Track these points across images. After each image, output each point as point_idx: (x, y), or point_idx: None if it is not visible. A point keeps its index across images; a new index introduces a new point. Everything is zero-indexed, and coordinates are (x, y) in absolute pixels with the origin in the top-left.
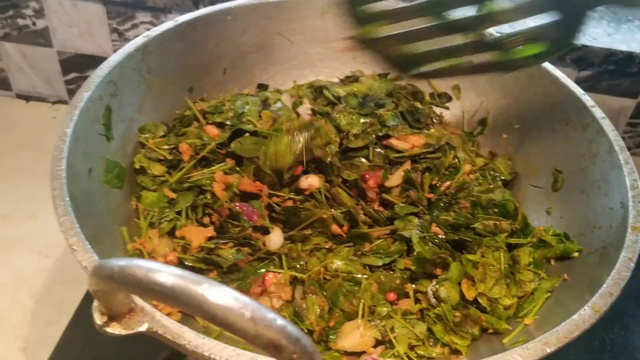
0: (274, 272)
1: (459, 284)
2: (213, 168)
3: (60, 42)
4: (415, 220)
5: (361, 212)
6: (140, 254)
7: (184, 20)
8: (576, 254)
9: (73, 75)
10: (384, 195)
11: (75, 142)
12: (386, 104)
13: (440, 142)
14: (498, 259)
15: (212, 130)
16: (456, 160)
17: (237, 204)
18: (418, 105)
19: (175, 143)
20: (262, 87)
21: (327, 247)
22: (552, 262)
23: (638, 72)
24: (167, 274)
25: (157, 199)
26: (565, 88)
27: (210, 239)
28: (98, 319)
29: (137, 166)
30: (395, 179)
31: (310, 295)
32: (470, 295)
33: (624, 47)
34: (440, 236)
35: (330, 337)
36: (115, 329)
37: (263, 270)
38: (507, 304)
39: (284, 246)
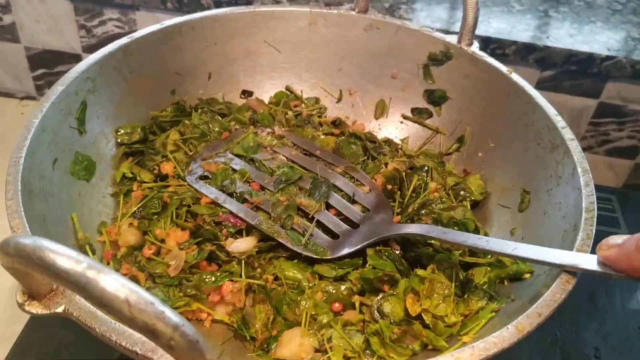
0: (232, 280)
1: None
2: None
3: (28, 37)
4: None
5: None
6: (89, 246)
7: (170, 24)
8: (527, 275)
9: (41, 71)
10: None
11: (42, 132)
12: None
13: (399, 173)
14: (450, 276)
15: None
16: (421, 181)
17: (221, 215)
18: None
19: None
20: (247, 93)
21: (285, 255)
22: (506, 282)
23: (599, 73)
24: (59, 255)
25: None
26: (539, 108)
27: None
28: (19, 297)
29: (128, 174)
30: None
31: (258, 303)
32: (413, 310)
33: (585, 48)
34: (396, 252)
35: (272, 345)
36: (33, 308)
37: (225, 280)
38: (452, 322)
39: (246, 253)
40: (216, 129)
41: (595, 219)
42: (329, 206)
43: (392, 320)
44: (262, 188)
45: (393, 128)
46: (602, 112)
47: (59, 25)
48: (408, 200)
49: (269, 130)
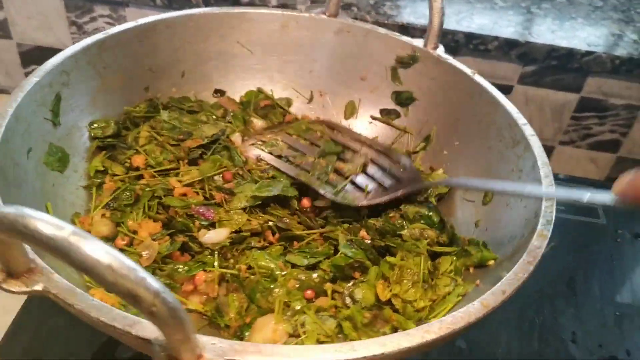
0: (205, 270)
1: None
2: (170, 179)
3: (19, 34)
4: (346, 226)
5: (296, 219)
6: None
7: (144, 22)
8: (492, 262)
9: (33, 67)
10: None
11: (16, 121)
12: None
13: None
14: (418, 263)
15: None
16: None
17: (193, 207)
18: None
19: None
20: (219, 92)
21: (259, 246)
22: (471, 269)
23: (579, 68)
24: (42, 222)
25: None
26: (501, 107)
27: None
28: None
29: (100, 167)
30: (323, 202)
31: (232, 292)
32: (383, 295)
33: (565, 44)
34: (367, 241)
35: (246, 332)
36: (11, 286)
37: (199, 270)
38: (421, 306)
39: (219, 244)
40: (187, 122)
41: (555, 206)
42: (365, 174)
43: (363, 306)
44: (307, 155)
45: (362, 128)
46: (583, 107)
47: (49, 22)
48: None
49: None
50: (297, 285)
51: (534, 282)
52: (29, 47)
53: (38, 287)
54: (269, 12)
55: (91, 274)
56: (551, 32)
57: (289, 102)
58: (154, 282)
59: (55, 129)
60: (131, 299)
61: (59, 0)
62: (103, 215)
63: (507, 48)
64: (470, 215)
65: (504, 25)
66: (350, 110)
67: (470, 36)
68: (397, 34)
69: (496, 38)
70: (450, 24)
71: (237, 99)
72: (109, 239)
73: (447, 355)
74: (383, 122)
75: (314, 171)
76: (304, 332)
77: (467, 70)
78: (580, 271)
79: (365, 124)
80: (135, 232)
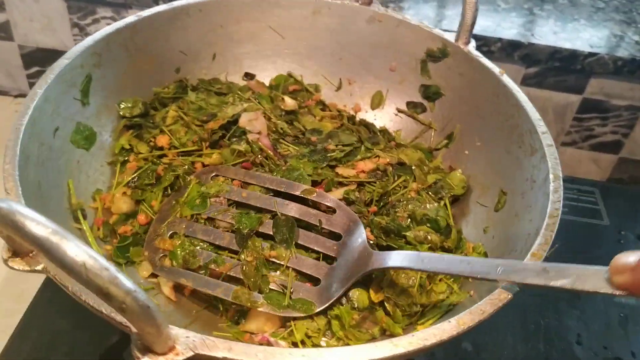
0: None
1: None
2: (190, 158)
3: (22, 36)
4: None
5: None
6: (81, 211)
7: (177, 5)
8: None
9: (35, 69)
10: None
11: (45, 102)
12: (338, 135)
13: (387, 167)
14: None
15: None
16: (403, 179)
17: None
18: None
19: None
20: (249, 75)
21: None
22: (470, 279)
23: (582, 69)
24: (28, 219)
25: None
26: (524, 111)
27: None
28: (4, 253)
29: (126, 146)
30: (337, 193)
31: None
32: (376, 298)
33: (568, 45)
34: (370, 241)
35: (241, 319)
36: (16, 264)
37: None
38: (413, 311)
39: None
40: (213, 103)
41: (557, 226)
42: (298, 245)
43: (356, 306)
44: (225, 249)
45: (387, 119)
46: (585, 108)
47: (52, 24)
48: (387, 194)
49: (214, 174)
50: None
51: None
52: (31, 49)
53: (39, 267)
54: None
55: (67, 270)
56: (554, 34)
57: (317, 88)
58: (125, 282)
59: (84, 108)
60: (103, 295)
61: (62, 2)
62: (124, 193)
63: (510, 49)
64: (481, 221)
65: (506, 27)
66: (378, 101)
67: (473, 37)
68: (429, 26)
69: (499, 39)
70: (454, 26)
71: (267, 83)
72: (129, 216)
73: (453, 356)
74: (408, 115)
75: (248, 279)
76: (294, 324)
77: (496, 70)
78: None
79: (391, 115)
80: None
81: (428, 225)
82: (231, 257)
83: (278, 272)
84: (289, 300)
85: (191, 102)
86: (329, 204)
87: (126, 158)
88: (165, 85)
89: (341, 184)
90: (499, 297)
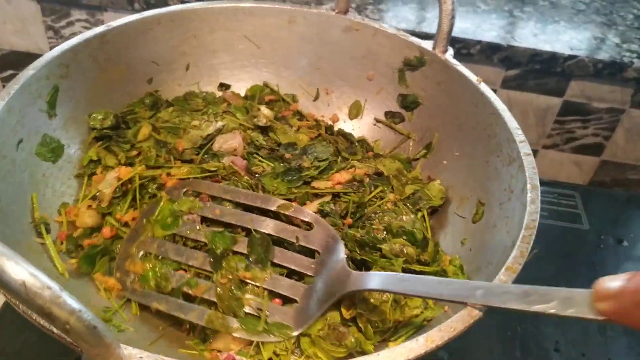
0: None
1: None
2: (160, 171)
3: None
4: None
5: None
6: (45, 225)
7: (148, 14)
8: None
9: (9, 72)
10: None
11: (8, 114)
12: (314, 148)
13: (364, 178)
14: None
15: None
16: (380, 190)
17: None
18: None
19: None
20: (224, 86)
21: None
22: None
23: (562, 72)
24: None
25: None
26: (501, 119)
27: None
28: None
29: (94, 157)
30: (311, 206)
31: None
32: (347, 314)
33: (548, 48)
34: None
35: (209, 337)
36: None
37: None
38: (386, 327)
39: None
40: (187, 120)
41: (534, 237)
42: (275, 264)
43: (328, 323)
44: (198, 271)
45: (366, 130)
46: (566, 111)
47: (26, 27)
48: (363, 205)
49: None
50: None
51: None
52: (5, 52)
53: None
54: (277, 7)
55: (6, 290)
56: (534, 36)
57: (294, 98)
58: (68, 301)
59: (51, 119)
60: (45, 316)
61: (36, 5)
62: (89, 207)
63: (490, 52)
64: (459, 232)
65: (486, 29)
66: (356, 111)
67: (452, 40)
68: (406, 34)
69: (479, 42)
70: (433, 29)
71: (242, 94)
72: (94, 230)
73: None
74: (387, 125)
75: (222, 303)
76: (262, 342)
77: (473, 78)
78: (562, 278)
79: (369, 125)
80: (126, 224)
81: (404, 237)
82: (206, 278)
83: (252, 295)
84: (265, 325)
85: (164, 120)
86: (306, 219)
87: (93, 171)
88: (140, 98)
89: (316, 196)
90: (470, 315)
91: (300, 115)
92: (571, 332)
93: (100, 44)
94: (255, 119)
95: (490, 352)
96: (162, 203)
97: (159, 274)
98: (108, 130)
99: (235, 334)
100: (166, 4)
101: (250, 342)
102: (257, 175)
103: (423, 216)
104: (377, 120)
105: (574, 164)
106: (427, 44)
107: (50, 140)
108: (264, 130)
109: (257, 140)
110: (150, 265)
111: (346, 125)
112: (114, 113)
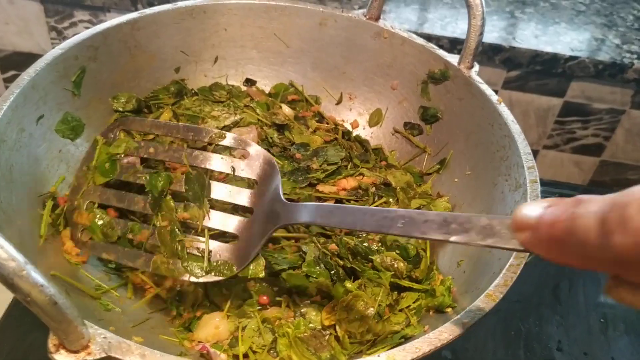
0: None
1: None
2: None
3: None
4: (322, 239)
5: None
6: (53, 199)
7: (181, 5)
8: (449, 310)
9: (12, 73)
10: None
11: (32, 89)
12: (326, 151)
13: (369, 187)
14: (376, 294)
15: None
16: (384, 201)
17: None
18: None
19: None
20: (250, 81)
21: None
22: (431, 312)
23: (563, 73)
24: None
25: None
26: (514, 143)
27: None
28: None
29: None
30: None
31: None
32: (327, 321)
33: (549, 49)
34: (332, 259)
35: (193, 326)
36: None
37: None
38: (364, 339)
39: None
40: (207, 110)
41: (522, 267)
42: (212, 200)
43: (310, 325)
44: (141, 216)
45: (384, 139)
46: (567, 111)
47: (29, 27)
48: None
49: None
50: (256, 287)
51: (518, 291)
52: (7, 53)
53: None
54: (309, 8)
55: None
56: (535, 37)
57: (317, 100)
58: (32, 274)
59: (75, 99)
60: (8, 286)
61: (39, 6)
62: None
63: (492, 53)
64: (458, 253)
65: (488, 30)
66: (376, 119)
67: (454, 41)
68: (434, 46)
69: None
70: (435, 30)
71: (267, 91)
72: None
73: None
74: (405, 136)
75: (165, 247)
76: (242, 336)
77: (494, 98)
78: (565, 278)
79: (387, 135)
80: None
81: (397, 252)
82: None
83: (194, 236)
84: (208, 265)
85: (186, 108)
86: (242, 148)
87: None
88: (165, 85)
89: (319, 199)
90: (438, 337)
91: (320, 117)
92: (574, 331)
93: (131, 30)
94: (274, 117)
95: (494, 352)
96: (99, 147)
97: (104, 223)
98: (130, 113)
99: (181, 278)
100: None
101: (232, 337)
102: None
103: None
104: (396, 131)
105: (574, 164)
106: (453, 59)
107: (71, 118)
108: (281, 128)
109: (272, 137)
110: (95, 216)
111: (365, 131)
112: (137, 97)
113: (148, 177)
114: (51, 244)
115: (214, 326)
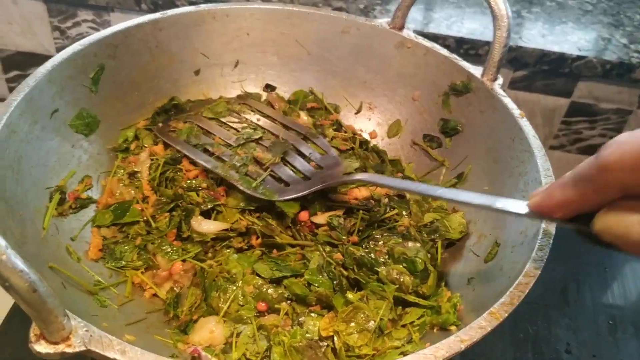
0: (182, 260)
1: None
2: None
3: (1, 39)
4: (328, 248)
5: (287, 231)
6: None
7: (204, 7)
8: (453, 328)
9: (15, 73)
10: (316, 230)
11: (48, 83)
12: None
13: (382, 198)
14: (379, 307)
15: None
16: (395, 213)
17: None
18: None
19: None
20: (270, 87)
21: (239, 246)
22: (435, 330)
23: (570, 72)
24: None
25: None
26: (534, 158)
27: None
28: None
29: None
30: (321, 218)
31: (194, 286)
32: (325, 332)
33: (556, 48)
34: (336, 269)
35: (189, 329)
36: None
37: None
38: (363, 353)
39: (207, 236)
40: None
41: (531, 287)
42: (285, 162)
43: (307, 335)
44: (226, 144)
45: (402, 150)
46: (574, 111)
47: (32, 27)
48: (372, 225)
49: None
50: (254, 294)
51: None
52: (10, 53)
53: None
54: (332, 15)
55: None
56: (542, 37)
57: (337, 108)
58: (12, 259)
59: (92, 95)
60: None
61: (42, 5)
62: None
63: None
64: (470, 270)
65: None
66: (396, 130)
67: (460, 41)
68: (457, 57)
69: (487, 43)
70: (441, 29)
71: (287, 97)
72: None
73: None
74: (423, 149)
75: (231, 162)
76: (236, 342)
77: (516, 112)
78: (573, 280)
79: (406, 147)
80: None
81: (404, 265)
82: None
83: (258, 168)
84: (258, 184)
85: (210, 116)
86: (324, 149)
87: (128, 146)
88: (184, 85)
89: (330, 208)
90: (435, 355)
91: (338, 126)
92: (583, 334)
93: (152, 30)
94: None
95: (502, 354)
96: (221, 100)
97: (192, 131)
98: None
99: (232, 182)
100: (174, 5)
101: (226, 342)
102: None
103: (436, 247)
104: (414, 143)
105: None
106: (477, 71)
107: (87, 114)
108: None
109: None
110: (189, 126)
111: (383, 142)
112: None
113: (247, 129)
114: (55, 238)
115: (209, 330)
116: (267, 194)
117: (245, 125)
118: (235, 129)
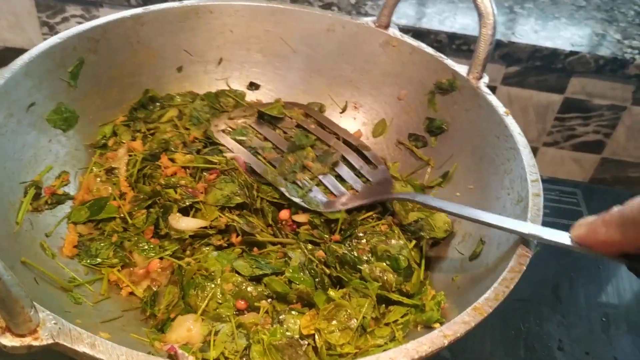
0: (160, 258)
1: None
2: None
3: None
4: (310, 246)
5: (268, 230)
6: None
7: (188, 3)
8: (437, 325)
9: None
10: (298, 229)
11: (25, 76)
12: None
13: None
14: (361, 305)
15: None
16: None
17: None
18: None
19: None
20: (254, 85)
21: (218, 244)
22: (419, 327)
23: (563, 68)
24: None
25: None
26: (519, 156)
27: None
28: None
29: (108, 134)
30: (303, 216)
31: (171, 284)
32: (305, 330)
33: (548, 44)
34: (317, 266)
35: (166, 328)
36: None
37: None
38: (345, 352)
39: (186, 233)
40: (208, 116)
41: (516, 282)
42: (333, 172)
43: (286, 333)
44: (276, 148)
45: (387, 150)
46: (567, 107)
47: (20, 22)
48: (354, 223)
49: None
50: (233, 291)
51: (518, 290)
52: None
53: None
54: (317, 13)
55: None
56: (534, 32)
57: (321, 108)
58: None
59: (70, 90)
60: None
61: (30, 0)
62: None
63: None
64: (454, 268)
65: None
66: (381, 129)
67: (453, 36)
68: (443, 56)
69: None
70: (433, 24)
71: (271, 97)
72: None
73: None
74: (408, 148)
75: (281, 168)
76: (214, 341)
77: (501, 109)
78: (565, 277)
79: (391, 146)
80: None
81: (387, 262)
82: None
83: (307, 177)
84: (304, 193)
85: (194, 109)
86: (374, 162)
87: (106, 142)
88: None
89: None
90: (417, 350)
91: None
92: (575, 330)
93: (134, 25)
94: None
95: (493, 351)
96: (278, 104)
97: (247, 134)
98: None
99: (280, 188)
100: (162, 1)
101: (204, 340)
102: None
103: (420, 246)
104: (399, 142)
105: (574, 162)
106: (462, 69)
107: (65, 109)
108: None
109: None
110: (244, 126)
111: (368, 142)
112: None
113: (300, 133)
114: (29, 233)
115: (186, 328)
116: (313, 204)
117: (296, 130)
118: (288, 134)
